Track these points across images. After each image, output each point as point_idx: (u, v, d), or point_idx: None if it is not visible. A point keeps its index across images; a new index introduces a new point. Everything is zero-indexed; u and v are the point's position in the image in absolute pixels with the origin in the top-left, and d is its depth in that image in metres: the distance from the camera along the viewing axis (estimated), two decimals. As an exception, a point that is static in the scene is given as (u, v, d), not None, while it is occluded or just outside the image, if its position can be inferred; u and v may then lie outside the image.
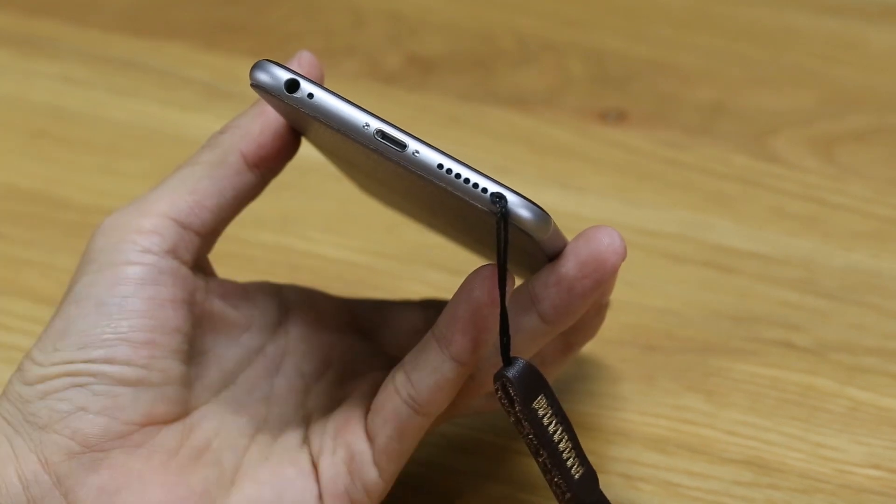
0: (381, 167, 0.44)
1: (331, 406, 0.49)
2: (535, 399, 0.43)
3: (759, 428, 0.55)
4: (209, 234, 0.48)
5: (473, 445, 0.55)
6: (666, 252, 0.64)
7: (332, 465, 0.46)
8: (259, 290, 0.50)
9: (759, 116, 0.72)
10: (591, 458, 0.44)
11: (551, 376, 0.49)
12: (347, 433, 0.46)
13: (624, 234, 0.44)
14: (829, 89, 0.74)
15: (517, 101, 0.74)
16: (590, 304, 0.44)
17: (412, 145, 0.42)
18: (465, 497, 0.53)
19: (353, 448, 0.46)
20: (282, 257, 0.64)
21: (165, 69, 0.77)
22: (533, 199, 0.42)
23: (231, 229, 0.49)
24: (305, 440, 0.47)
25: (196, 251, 0.47)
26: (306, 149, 0.50)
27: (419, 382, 0.44)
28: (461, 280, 0.44)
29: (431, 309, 0.52)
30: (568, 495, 0.44)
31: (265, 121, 0.48)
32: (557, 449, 0.43)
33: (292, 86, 0.42)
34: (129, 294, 0.45)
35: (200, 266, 0.48)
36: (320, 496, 0.46)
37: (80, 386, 0.45)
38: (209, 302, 0.48)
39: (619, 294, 0.56)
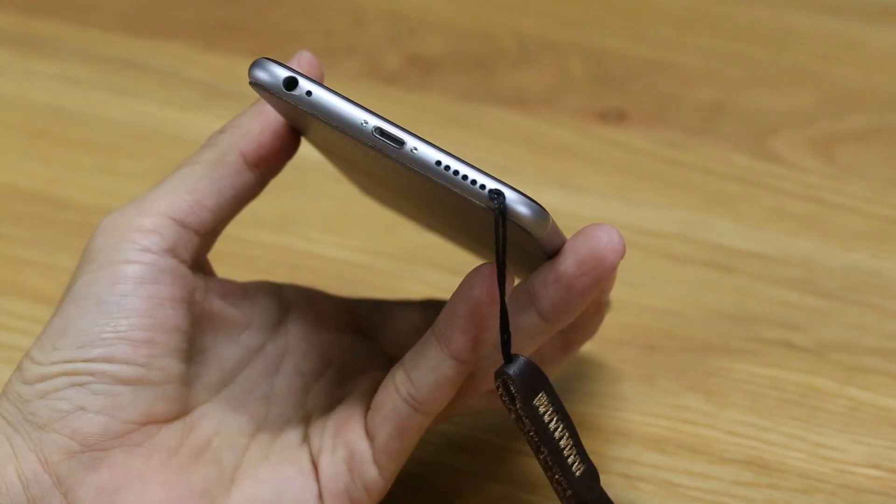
0: (379, 165, 0.44)
1: (330, 405, 0.49)
2: (536, 396, 0.43)
3: (759, 428, 0.55)
4: (208, 233, 0.48)
5: (473, 445, 0.55)
6: (666, 252, 0.64)
7: (332, 464, 0.46)
8: (259, 290, 0.50)
9: (759, 116, 0.72)
10: (591, 458, 0.44)
11: (551, 375, 0.49)
12: (347, 432, 0.46)
13: (624, 233, 0.44)
14: (829, 89, 0.74)
15: (517, 101, 0.74)
16: (589, 301, 0.44)
17: (410, 142, 0.42)
18: (465, 497, 0.53)
19: (353, 447, 0.46)
20: (282, 257, 0.64)
21: (165, 69, 0.77)
22: (532, 196, 0.42)
23: (231, 229, 0.49)
24: (305, 439, 0.47)
25: (195, 250, 0.47)
26: (306, 149, 0.50)
27: (419, 381, 0.44)
28: (461, 280, 0.44)
29: (431, 309, 0.52)
30: (569, 492, 0.44)
31: (265, 120, 0.48)
32: (558, 446, 0.43)
33: (291, 83, 0.42)
34: (128, 293, 0.45)
35: (200, 265, 0.48)
36: (320, 495, 0.46)
37: (80, 385, 0.45)
38: (209, 301, 0.48)
39: (619, 294, 0.56)
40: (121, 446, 0.45)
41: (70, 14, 0.81)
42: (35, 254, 0.65)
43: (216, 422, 0.47)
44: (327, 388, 0.49)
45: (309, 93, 0.42)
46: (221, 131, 0.48)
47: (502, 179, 0.42)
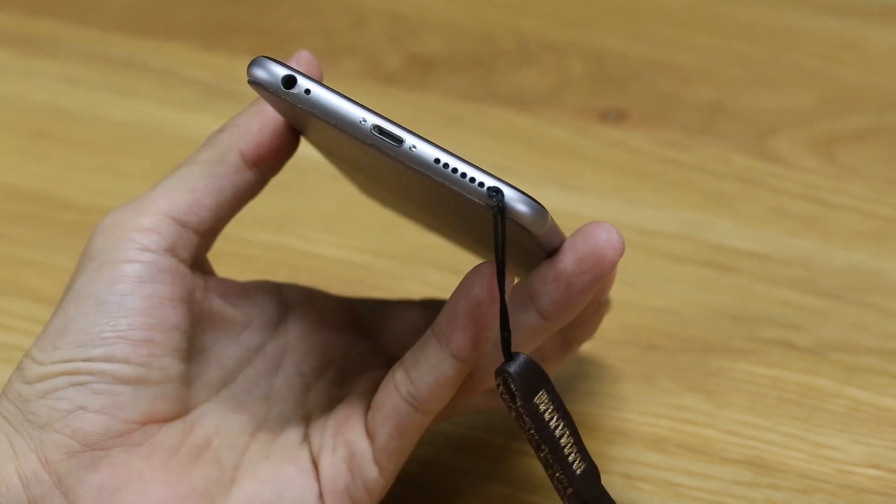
0: (379, 164, 0.44)
1: (331, 405, 0.49)
2: (537, 394, 0.43)
3: (759, 428, 0.55)
4: (208, 232, 0.48)
5: (473, 445, 0.55)
6: (666, 252, 0.64)
7: (333, 464, 0.46)
8: (259, 289, 0.50)
9: (759, 116, 0.72)
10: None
11: (551, 374, 0.49)
12: (348, 431, 0.46)
13: (624, 233, 0.44)
14: (829, 89, 0.74)
15: (517, 101, 0.74)
16: (588, 300, 0.44)
17: (409, 140, 0.42)
18: (465, 497, 0.53)
19: (353, 446, 0.46)
20: (282, 257, 0.64)
21: (165, 69, 0.77)
22: (530, 194, 0.42)
23: (231, 229, 0.49)
24: (305, 438, 0.47)
25: (195, 249, 0.47)
26: (306, 149, 0.50)
27: (419, 380, 0.44)
28: (461, 280, 0.44)
29: (431, 308, 0.52)
30: (570, 490, 0.44)
31: (264, 119, 0.48)
32: (559, 444, 0.43)
33: (289, 82, 0.42)
34: (127, 292, 0.45)
35: (200, 265, 0.48)
36: (321, 494, 0.46)
37: (80, 384, 0.45)
38: (208, 300, 0.48)
39: (619, 294, 0.56)
40: (121, 446, 0.45)
41: (70, 14, 0.81)
42: (35, 254, 0.65)
43: (216, 421, 0.47)
44: (327, 387, 0.49)
45: (307, 91, 0.42)
46: (220, 130, 0.48)
47: (502, 178, 0.42)
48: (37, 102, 0.75)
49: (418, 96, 0.75)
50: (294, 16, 0.81)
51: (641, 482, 0.53)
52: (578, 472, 0.44)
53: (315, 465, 0.46)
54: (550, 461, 0.43)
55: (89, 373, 0.45)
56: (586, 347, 0.56)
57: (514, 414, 0.43)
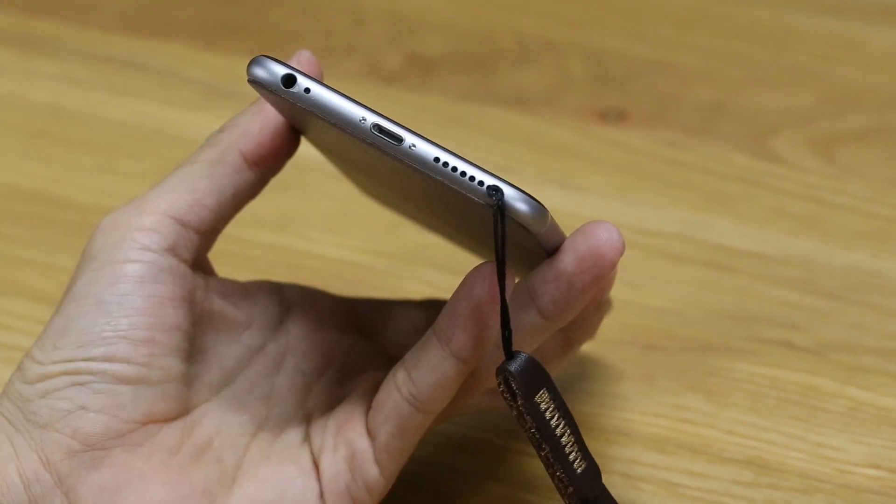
0: (379, 163, 0.44)
1: (331, 405, 0.49)
2: (538, 393, 0.43)
3: (759, 428, 0.55)
4: (208, 232, 0.48)
5: (473, 445, 0.55)
6: (666, 252, 0.64)
7: (334, 463, 0.46)
8: (259, 289, 0.50)
9: (759, 116, 0.72)
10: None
11: (551, 374, 0.49)
12: (348, 431, 0.46)
13: (624, 233, 0.44)
14: (829, 89, 0.74)
15: (517, 101, 0.74)
16: (589, 299, 0.44)
17: (409, 139, 0.42)
18: (465, 497, 0.53)
19: (354, 446, 0.46)
20: (282, 257, 0.64)
21: (165, 69, 0.77)
22: (530, 193, 0.42)
23: (231, 229, 0.49)
24: (306, 438, 0.47)
25: (195, 249, 0.47)
26: (306, 148, 0.50)
27: (420, 380, 0.44)
28: (461, 280, 0.44)
29: (432, 308, 0.52)
30: (570, 489, 0.44)
31: (264, 119, 0.48)
32: (560, 443, 0.43)
33: (289, 81, 0.42)
34: (128, 292, 0.45)
35: (200, 265, 0.48)
36: (321, 494, 0.46)
37: (81, 384, 0.45)
38: (209, 300, 0.48)
39: (619, 294, 0.56)
40: (122, 445, 0.45)
41: (70, 14, 0.81)
42: (35, 254, 0.65)
43: (217, 421, 0.47)
44: (328, 387, 0.49)
45: (307, 90, 0.42)
46: (221, 130, 0.48)
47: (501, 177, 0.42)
48: (37, 102, 0.75)
49: (418, 96, 0.75)
50: (294, 16, 0.81)
51: (641, 482, 0.53)
52: (579, 470, 0.44)
53: (316, 465, 0.46)
54: (551, 460, 0.43)
55: (90, 372, 0.45)
56: (586, 347, 0.56)
57: (515, 413, 0.43)
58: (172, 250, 0.46)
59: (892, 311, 0.61)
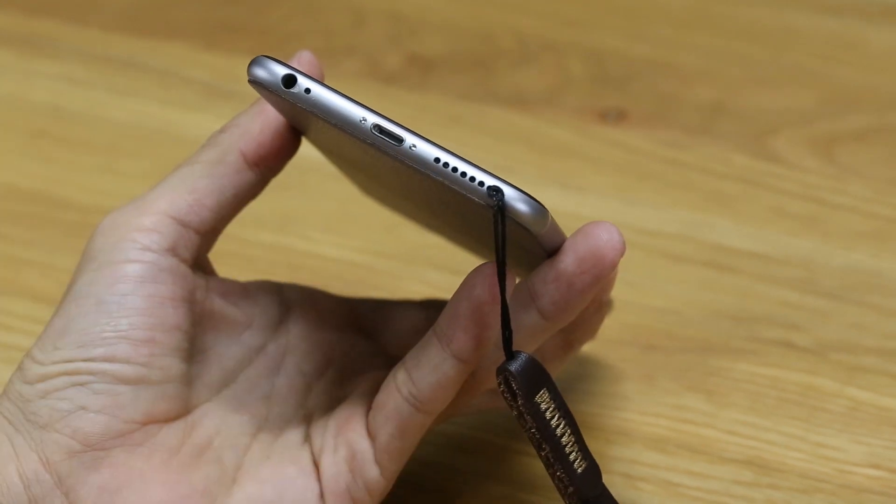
0: (379, 164, 0.44)
1: (332, 405, 0.49)
2: (538, 393, 0.43)
3: (759, 428, 0.55)
4: (209, 232, 0.48)
5: (473, 445, 0.55)
6: (666, 252, 0.64)
7: (334, 464, 0.46)
8: (260, 289, 0.50)
9: (759, 116, 0.72)
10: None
11: (552, 374, 0.49)
12: (349, 431, 0.46)
13: (624, 233, 0.44)
14: (829, 89, 0.74)
15: (517, 101, 0.74)
16: (589, 300, 0.44)
17: (409, 139, 0.42)
18: (465, 497, 0.53)
19: (354, 446, 0.46)
20: (282, 257, 0.64)
21: (165, 69, 0.77)
22: (530, 193, 0.42)
23: (231, 229, 0.49)
24: (307, 439, 0.47)
25: (196, 249, 0.47)
26: (306, 149, 0.50)
27: (420, 380, 0.44)
28: (461, 280, 0.44)
29: (432, 308, 0.52)
30: (571, 489, 0.44)
31: (265, 119, 0.48)
32: (560, 443, 0.43)
33: (289, 81, 0.42)
34: (128, 292, 0.45)
35: (200, 265, 0.48)
36: (321, 495, 0.46)
37: (81, 384, 0.45)
38: (209, 300, 0.48)
39: (619, 294, 0.56)
40: (122, 446, 0.45)
41: (70, 14, 0.81)
42: (35, 254, 0.65)
43: (217, 421, 0.47)
44: (328, 387, 0.49)
45: (307, 90, 0.42)
46: (221, 131, 0.48)
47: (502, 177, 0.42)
48: (37, 102, 0.75)
49: (418, 96, 0.75)
50: (294, 16, 0.81)
51: (641, 482, 0.53)
52: (579, 470, 0.44)
53: (316, 465, 0.46)
54: (551, 460, 0.43)
55: (90, 373, 0.45)
56: (587, 347, 0.56)
57: (515, 413, 0.43)
58: (172, 250, 0.46)
59: (892, 311, 0.61)
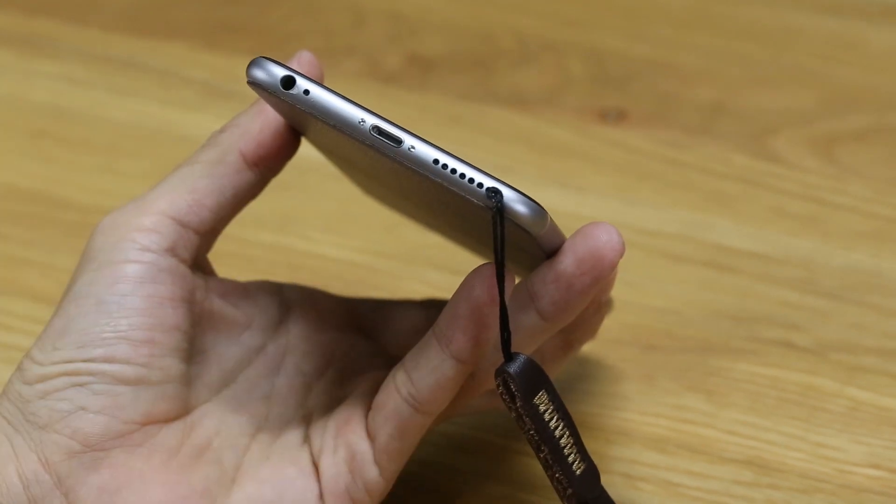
0: (378, 165, 0.44)
1: (331, 405, 0.49)
2: (537, 394, 0.43)
3: (759, 428, 0.55)
4: (208, 232, 0.48)
5: (473, 445, 0.55)
6: (666, 252, 0.64)
7: (333, 465, 0.46)
8: (259, 289, 0.50)
9: (759, 116, 0.72)
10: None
11: (551, 375, 0.49)
12: (348, 432, 0.46)
13: (624, 233, 0.44)
14: (829, 89, 0.74)
15: (517, 101, 0.74)
16: (588, 300, 0.44)
17: (408, 141, 0.42)
18: (465, 497, 0.53)
19: (353, 447, 0.46)
20: (282, 257, 0.64)
21: (165, 69, 0.77)
22: (529, 195, 0.42)
23: (231, 229, 0.49)
24: (306, 439, 0.47)
25: (195, 250, 0.47)
26: (306, 149, 0.50)
27: (420, 381, 0.44)
28: (461, 280, 0.44)
29: (432, 308, 0.52)
30: (569, 491, 0.44)
31: (265, 119, 0.48)
32: (559, 445, 0.43)
33: (288, 82, 0.42)
34: (128, 292, 0.45)
35: (200, 265, 0.48)
36: (321, 495, 0.46)
37: (80, 385, 0.45)
38: (209, 300, 0.48)
39: (619, 294, 0.56)
40: (121, 446, 0.45)
41: (70, 14, 0.81)
42: (35, 254, 0.65)
43: (217, 422, 0.47)
44: (328, 387, 0.49)
45: (306, 91, 0.42)
46: (221, 131, 0.48)
47: (501, 179, 0.42)
48: (37, 102, 0.75)
49: (418, 96, 0.75)
50: (294, 16, 0.81)
51: (641, 482, 0.53)
52: (578, 472, 0.44)
53: (316, 465, 0.46)
54: (550, 461, 0.43)
55: (90, 373, 0.45)
56: (586, 347, 0.56)
57: (513, 414, 0.43)
58: (172, 251, 0.46)
59: (892, 311, 0.61)
